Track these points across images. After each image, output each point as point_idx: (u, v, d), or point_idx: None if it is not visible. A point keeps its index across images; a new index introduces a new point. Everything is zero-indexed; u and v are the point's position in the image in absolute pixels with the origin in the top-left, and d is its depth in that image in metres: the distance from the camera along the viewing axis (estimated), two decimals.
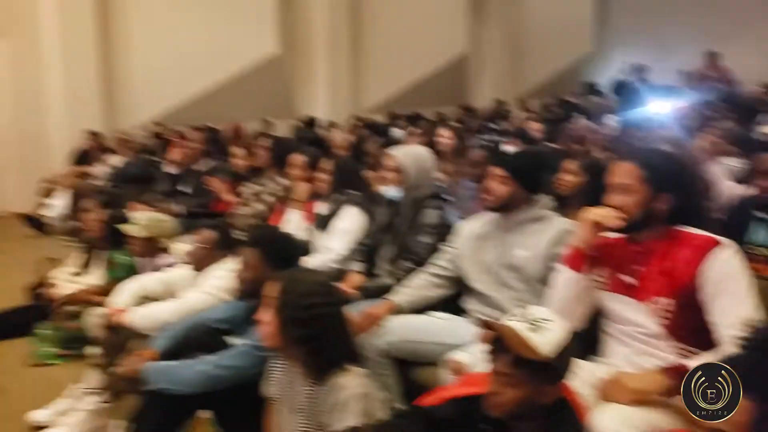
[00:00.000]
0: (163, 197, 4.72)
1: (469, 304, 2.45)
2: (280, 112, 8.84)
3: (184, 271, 2.96)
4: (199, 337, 2.37)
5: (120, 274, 3.38)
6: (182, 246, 3.30)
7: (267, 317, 1.83)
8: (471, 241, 2.48)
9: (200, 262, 2.85)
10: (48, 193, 7.08)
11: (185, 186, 5.13)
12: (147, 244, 3.31)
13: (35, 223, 6.65)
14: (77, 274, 3.79)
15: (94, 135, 7.52)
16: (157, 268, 3.22)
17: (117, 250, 3.51)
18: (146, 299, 2.86)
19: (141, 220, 3.32)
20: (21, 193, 7.47)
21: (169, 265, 3.21)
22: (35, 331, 3.43)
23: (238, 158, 5.06)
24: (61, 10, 7.60)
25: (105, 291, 3.35)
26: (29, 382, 3.10)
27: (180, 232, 3.53)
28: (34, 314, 3.62)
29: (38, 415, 2.63)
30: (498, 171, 2.36)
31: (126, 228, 3.25)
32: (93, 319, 3.15)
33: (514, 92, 12.02)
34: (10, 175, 7.74)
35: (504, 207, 2.37)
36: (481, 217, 2.54)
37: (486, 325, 1.61)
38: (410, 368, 2.39)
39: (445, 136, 5.28)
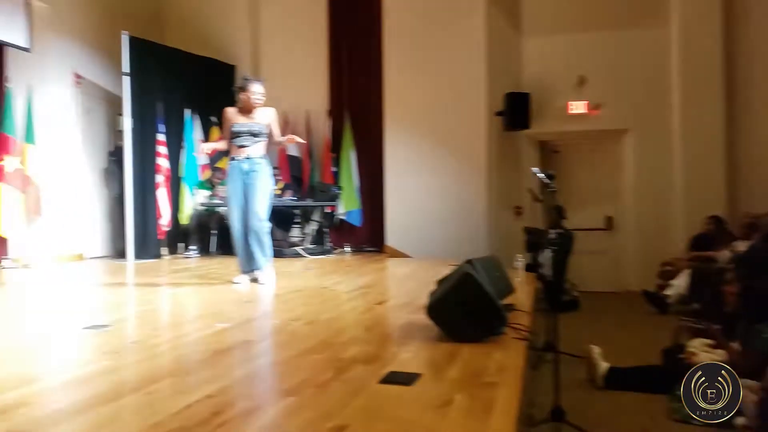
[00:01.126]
0: None
1: None
2: None
3: None
4: None
5: (764, 346, 3.27)
6: None
7: None
8: None
9: None
10: (668, 274, 7.45)
11: None
12: None
13: (655, 300, 7.05)
14: (713, 345, 3.84)
15: (716, 219, 7.51)
16: None
17: (760, 323, 3.42)
18: None
19: None
20: (641, 273, 8.10)
21: None
22: (674, 391, 3.59)
23: None
24: (686, 104, 8.09)
25: (746, 360, 3.28)
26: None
27: None
28: (671, 376, 3.81)
29: None
30: None
31: None
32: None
33: None
34: (632, 256, 8.50)
35: None
36: None
37: None
38: None
39: None
